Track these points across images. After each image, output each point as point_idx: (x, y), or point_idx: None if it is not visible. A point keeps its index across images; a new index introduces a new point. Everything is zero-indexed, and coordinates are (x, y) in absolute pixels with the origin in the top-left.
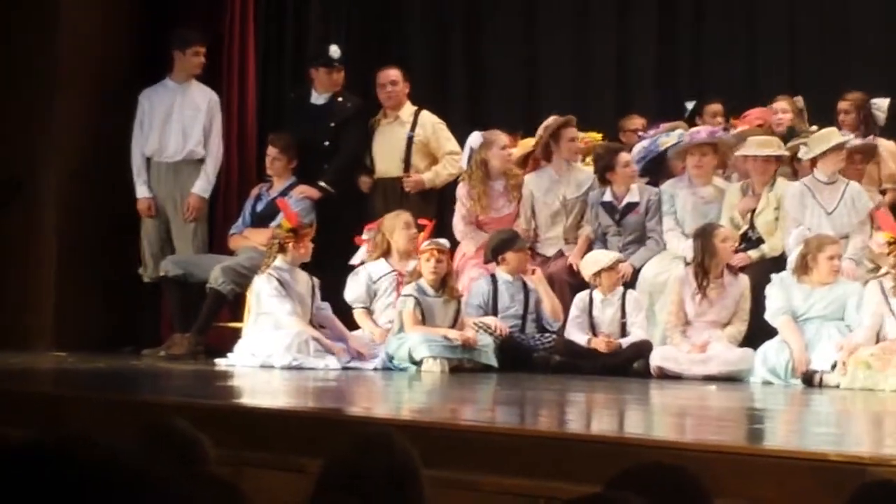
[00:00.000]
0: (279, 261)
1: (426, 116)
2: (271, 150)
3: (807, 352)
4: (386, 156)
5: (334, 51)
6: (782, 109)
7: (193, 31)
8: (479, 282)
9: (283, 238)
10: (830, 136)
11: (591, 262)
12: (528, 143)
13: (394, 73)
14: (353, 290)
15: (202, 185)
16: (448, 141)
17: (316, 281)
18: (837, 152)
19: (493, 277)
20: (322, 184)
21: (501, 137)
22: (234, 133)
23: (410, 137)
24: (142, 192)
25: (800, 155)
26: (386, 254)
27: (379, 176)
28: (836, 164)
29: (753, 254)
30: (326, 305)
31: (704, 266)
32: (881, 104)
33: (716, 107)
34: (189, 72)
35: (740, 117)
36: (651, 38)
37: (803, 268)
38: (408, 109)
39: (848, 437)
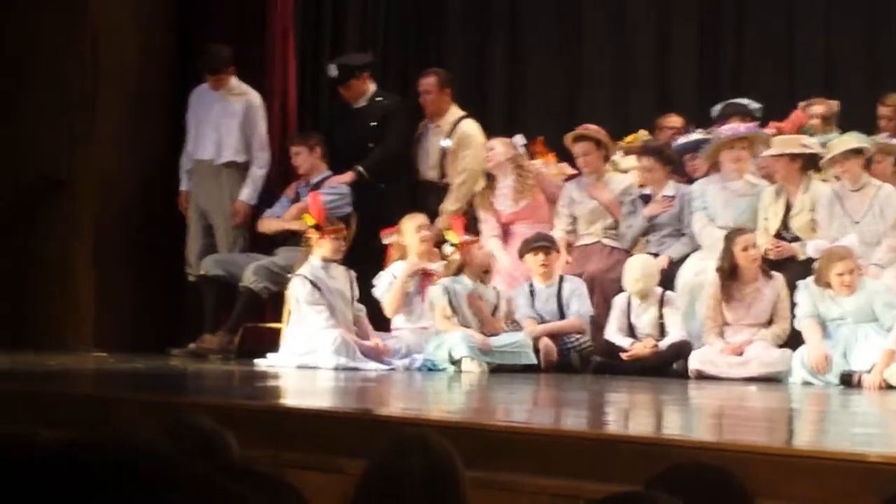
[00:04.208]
0: (314, 258)
1: (463, 127)
2: (293, 149)
3: (830, 352)
4: (424, 160)
5: (331, 69)
6: (816, 114)
7: (216, 56)
8: (519, 290)
9: (306, 233)
10: (845, 142)
11: (627, 279)
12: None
13: (426, 82)
14: (381, 289)
15: (249, 193)
16: (463, 160)
17: (353, 274)
18: (854, 157)
19: (531, 284)
20: (359, 168)
21: (490, 143)
22: (276, 138)
23: (444, 147)
24: (183, 183)
25: (821, 164)
26: (403, 256)
27: (421, 178)
28: (855, 169)
29: (796, 247)
30: (362, 308)
31: (729, 272)
32: None
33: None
34: (217, 86)
35: (783, 120)
36: (691, 40)
37: (821, 280)
38: (450, 117)
39: (887, 438)
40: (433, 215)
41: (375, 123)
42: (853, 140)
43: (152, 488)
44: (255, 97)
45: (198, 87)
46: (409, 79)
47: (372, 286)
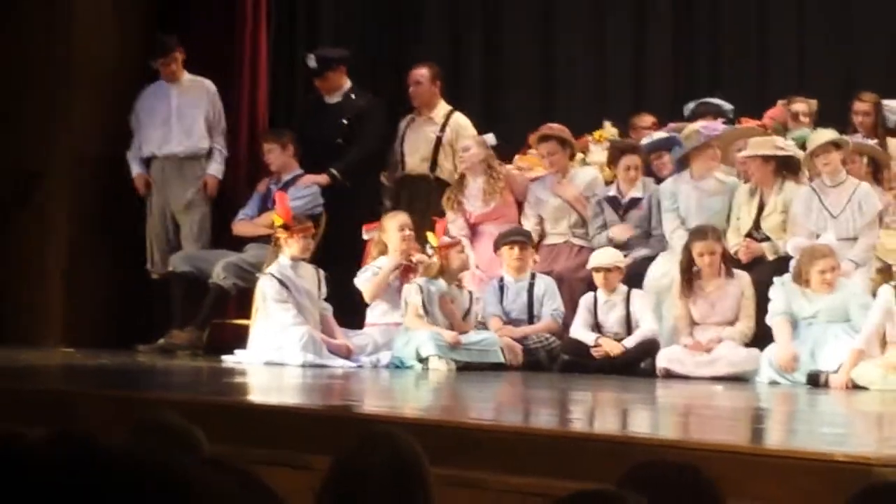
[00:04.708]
0: (283, 258)
1: (456, 119)
2: (265, 146)
3: (798, 351)
4: (414, 153)
5: (310, 59)
6: (802, 112)
7: (161, 42)
8: (488, 286)
9: (275, 234)
10: (824, 135)
11: (596, 258)
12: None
13: (419, 73)
14: (362, 279)
15: (217, 168)
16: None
17: (322, 273)
18: (835, 150)
19: (501, 279)
20: (332, 171)
21: (461, 144)
22: (245, 128)
23: (439, 138)
24: (135, 168)
25: (802, 159)
26: (384, 253)
27: (407, 171)
28: (836, 161)
29: (766, 247)
30: (328, 307)
31: (687, 269)
32: (893, 106)
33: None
34: (171, 75)
35: (761, 117)
36: (666, 39)
37: (800, 277)
38: (441, 109)
39: (854, 438)
40: (422, 208)
41: (346, 121)
42: (831, 133)
43: (139, 487)
44: (210, 84)
45: (148, 87)
46: (384, 75)
47: (344, 284)
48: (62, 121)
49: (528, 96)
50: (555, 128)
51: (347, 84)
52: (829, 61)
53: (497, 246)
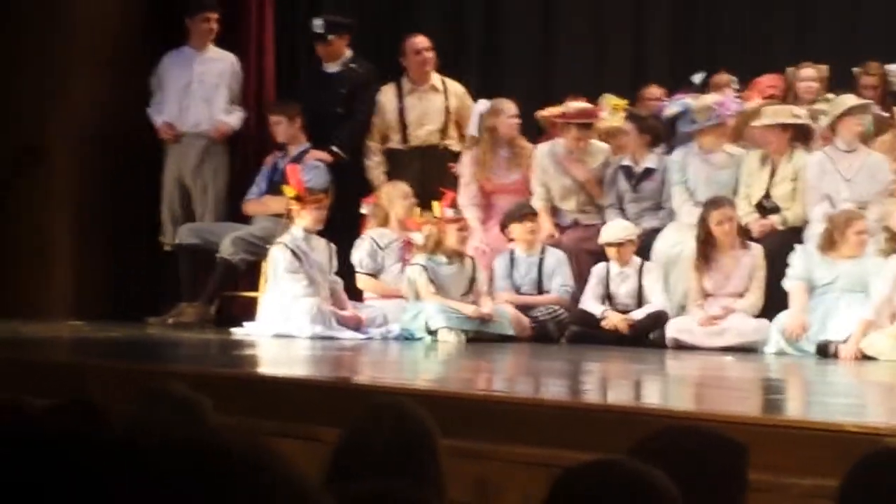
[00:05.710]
0: (296, 229)
1: (453, 85)
2: (272, 118)
3: (811, 319)
4: (424, 123)
5: (317, 25)
6: (809, 77)
7: None
8: (499, 259)
9: (287, 205)
10: (846, 101)
11: (607, 233)
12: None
13: (425, 41)
14: (358, 255)
15: (231, 117)
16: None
17: (333, 247)
18: (854, 118)
19: (511, 253)
20: (334, 148)
21: (509, 105)
22: (252, 100)
23: (447, 106)
24: (158, 119)
25: (821, 123)
26: (384, 224)
27: (415, 143)
28: (853, 129)
29: (776, 218)
30: (339, 280)
31: (705, 241)
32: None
33: (722, 77)
34: (202, 38)
35: (748, 85)
36: (666, 5)
37: (829, 243)
38: (436, 78)
39: (864, 408)
40: (437, 178)
41: (346, 91)
42: (855, 99)
43: (146, 455)
44: (234, 58)
45: (170, 53)
46: (384, 45)
47: (348, 256)
48: (63, 92)
49: (525, 69)
50: (591, 113)
51: (348, 53)
52: (831, 28)
53: (505, 223)
